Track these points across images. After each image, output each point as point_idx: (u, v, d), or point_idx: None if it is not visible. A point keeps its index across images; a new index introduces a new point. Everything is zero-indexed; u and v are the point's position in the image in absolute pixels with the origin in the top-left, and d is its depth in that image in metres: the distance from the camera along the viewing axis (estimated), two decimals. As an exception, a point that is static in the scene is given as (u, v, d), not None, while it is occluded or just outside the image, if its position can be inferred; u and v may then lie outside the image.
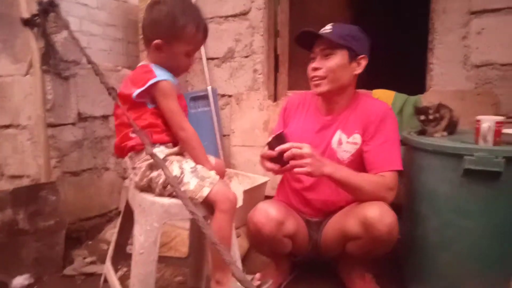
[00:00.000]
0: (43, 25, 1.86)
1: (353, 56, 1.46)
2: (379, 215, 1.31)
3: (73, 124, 2.01)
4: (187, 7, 1.26)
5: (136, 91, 1.20)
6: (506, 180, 1.30)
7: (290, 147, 1.29)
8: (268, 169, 1.39)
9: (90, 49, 2.29)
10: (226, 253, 0.82)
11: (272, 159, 1.35)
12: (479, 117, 1.39)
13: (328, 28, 1.47)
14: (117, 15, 2.66)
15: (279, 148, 1.30)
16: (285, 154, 1.29)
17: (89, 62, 1.64)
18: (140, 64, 1.31)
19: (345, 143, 1.50)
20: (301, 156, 1.29)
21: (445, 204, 1.42)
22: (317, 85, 1.48)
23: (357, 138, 1.48)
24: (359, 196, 1.41)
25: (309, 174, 1.31)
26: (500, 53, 1.95)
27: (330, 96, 1.51)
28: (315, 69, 1.47)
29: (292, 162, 1.30)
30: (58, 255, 1.76)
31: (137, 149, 1.24)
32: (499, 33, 1.95)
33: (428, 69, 2.13)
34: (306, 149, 1.29)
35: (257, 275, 1.25)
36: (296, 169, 1.30)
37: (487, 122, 1.36)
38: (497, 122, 1.35)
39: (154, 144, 1.24)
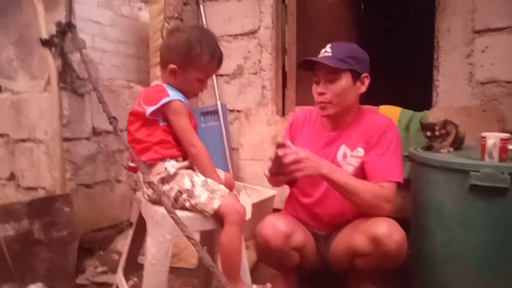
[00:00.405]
0: (60, 45, 1.94)
1: (356, 77, 1.48)
2: (387, 232, 1.32)
3: (87, 138, 2.07)
4: (205, 36, 1.33)
5: (150, 109, 1.26)
6: (512, 196, 1.32)
7: (288, 153, 1.34)
8: (271, 181, 1.47)
9: (103, 65, 2.37)
10: (221, 276, 0.85)
11: (275, 171, 1.39)
12: (484, 134, 1.42)
13: (327, 51, 1.48)
14: (129, 33, 2.75)
15: (276, 158, 1.35)
16: (283, 161, 1.33)
17: (95, 89, 1.73)
18: (153, 84, 1.38)
19: (349, 156, 1.52)
20: (297, 161, 1.32)
21: (451, 219, 1.44)
22: (323, 108, 1.50)
23: (360, 151, 1.51)
24: (356, 203, 1.42)
25: (307, 175, 1.35)
26: (504, 71, 1.99)
27: (336, 116, 1.54)
28: (321, 93, 1.48)
29: (291, 168, 1.33)
30: (71, 265, 1.80)
31: (150, 164, 1.29)
32: (502, 51, 1.98)
33: (434, 85, 2.17)
34: (301, 153, 1.33)
35: (268, 285, 1.28)
36: (295, 174, 1.34)
37: (493, 139, 1.38)
38: (502, 139, 1.38)
39: (165, 158, 1.28)
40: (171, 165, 1.28)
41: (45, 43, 1.92)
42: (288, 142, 1.47)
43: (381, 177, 1.42)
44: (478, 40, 2.03)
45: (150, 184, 1.23)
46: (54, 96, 1.91)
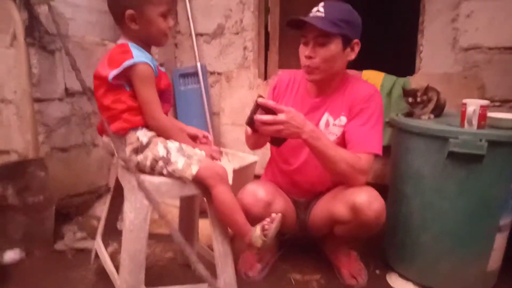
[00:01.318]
0: (26, -5, 1.79)
1: (347, 42, 1.41)
2: (367, 201, 1.34)
3: (60, 99, 1.97)
4: None
5: (112, 73, 1.17)
6: (488, 163, 1.35)
7: (274, 106, 1.29)
8: (250, 140, 1.48)
9: (75, 20, 2.21)
10: (191, 255, 0.85)
11: (250, 122, 1.32)
12: (465, 101, 1.42)
13: (320, 10, 1.39)
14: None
15: (259, 118, 1.29)
16: (260, 120, 1.28)
17: (67, 54, 1.60)
18: (117, 43, 1.26)
19: (332, 125, 1.51)
20: (275, 123, 1.28)
21: (428, 186, 1.47)
22: (309, 73, 1.45)
23: (343, 120, 1.49)
24: (331, 171, 1.42)
25: (286, 136, 1.33)
26: (488, 37, 1.98)
27: (321, 81, 1.50)
28: (309, 57, 1.42)
29: (265, 128, 1.29)
30: (48, 230, 1.77)
31: (120, 134, 1.23)
32: (487, 16, 1.96)
33: (418, 51, 2.15)
34: (281, 115, 1.28)
35: (273, 215, 1.32)
36: (272, 134, 1.31)
37: (472, 105, 1.39)
38: (482, 106, 1.38)
39: (136, 127, 1.23)
40: (143, 134, 1.23)
41: (8, -8, 1.77)
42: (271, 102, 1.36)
43: (360, 148, 1.41)
44: (464, 4, 2.00)
45: (124, 160, 1.18)
46: (21, 53, 1.78)
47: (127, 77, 1.19)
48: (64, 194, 2.00)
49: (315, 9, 1.41)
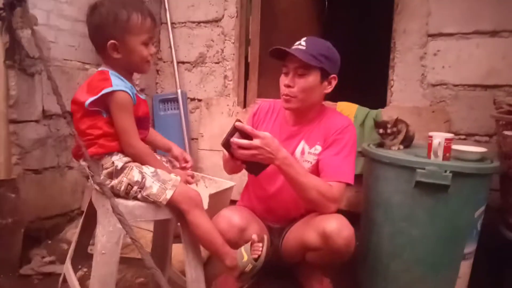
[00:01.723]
0: (8, 20, 1.81)
1: (325, 76, 1.48)
2: (336, 228, 1.37)
3: (36, 121, 1.96)
4: (123, 0, 1.25)
5: (89, 100, 1.18)
6: (453, 192, 1.41)
7: (250, 131, 1.32)
8: (227, 165, 1.52)
9: (57, 44, 2.24)
10: (161, 280, 0.85)
11: (225, 143, 1.34)
12: (431, 133, 1.50)
13: (302, 44, 1.47)
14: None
15: (235, 141, 1.31)
16: (236, 143, 1.31)
17: (49, 78, 1.61)
18: (99, 69, 1.29)
19: (307, 153, 1.55)
20: (250, 148, 1.31)
21: (398, 213, 1.52)
22: (287, 101, 1.50)
23: (318, 149, 1.54)
24: (303, 198, 1.45)
25: (260, 161, 1.34)
26: (453, 74, 2.11)
27: (298, 110, 1.55)
28: (288, 86, 1.48)
29: (241, 152, 1.31)
30: (15, 254, 1.71)
31: (95, 158, 1.24)
32: (452, 55, 2.10)
33: (389, 85, 2.26)
34: (256, 141, 1.31)
35: (254, 236, 1.33)
36: (245, 158, 1.33)
37: (438, 138, 1.47)
38: (447, 139, 1.46)
39: (112, 152, 1.23)
40: (118, 159, 1.23)
41: (-10, 16, 1.79)
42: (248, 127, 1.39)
43: (332, 177, 1.44)
44: (431, 44, 2.14)
45: (99, 185, 1.18)
46: (0, 75, 1.79)
47: (105, 104, 1.20)
48: (35, 217, 1.95)
49: (297, 42, 1.50)
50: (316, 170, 1.53)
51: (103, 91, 1.18)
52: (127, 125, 1.22)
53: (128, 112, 1.22)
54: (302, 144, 1.57)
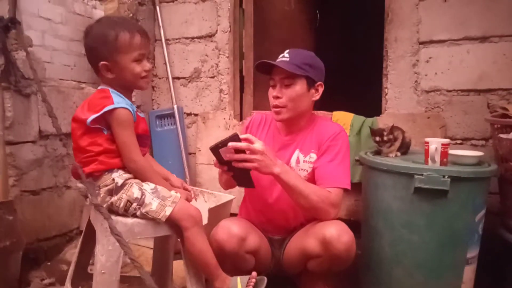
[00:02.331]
0: (3, 42, 1.83)
1: (311, 84, 1.51)
2: (336, 234, 1.37)
3: (33, 142, 1.96)
4: (114, 20, 1.29)
5: (91, 117, 1.20)
6: (452, 197, 1.42)
7: (246, 138, 1.30)
8: (222, 178, 1.54)
9: (53, 64, 2.25)
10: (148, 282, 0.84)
11: (220, 147, 1.28)
12: (427, 139, 1.51)
13: (285, 56, 1.51)
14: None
15: (233, 144, 1.25)
16: (238, 146, 1.26)
17: (44, 100, 1.63)
18: (99, 88, 1.30)
19: (302, 162, 1.56)
20: (252, 151, 1.29)
21: (397, 220, 1.52)
22: (278, 113, 1.52)
23: (313, 157, 1.55)
24: (303, 206, 1.44)
25: (256, 169, 1.31)
26: (446, 80, 2.13)
27: (289, 120, 1.56)
28: (276, 97, 1.51)
29: (241, 156, 1.28)
30: (14, 277, 1.69)
31: (95, 175, 1.24)
32: (444, 62, 2.13)
33: (383, 93, 2.28)
34: (258, 145, 1.30)
35: (254, 273, 1.31)
36: (244, 164, 1.29)
37: (434, 144, 1.47)
38: (443, 144, 1.47)
39: (112, 169, 1.24)
40: (118, 176, 1.24)
41: (-15, 39, 1.80)
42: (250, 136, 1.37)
43: (329, 183, 1.46)
44: (423, 51, 2.16)
45: (96, 207, 1.18)
46: (-4, 97, 1.79)
47: (106, 121, 1.22)
48: (33, 238, 1.93)
49: (281, 55, 1.54)
50: (312, 178, 1.53)
51: (106, 109, 1.20)
52: (129, 140, 1.23)
53: (129, 128, 1.24)
54: (296, 153, 1.57)
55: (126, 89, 1.31)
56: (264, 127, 1.69)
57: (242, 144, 1.28)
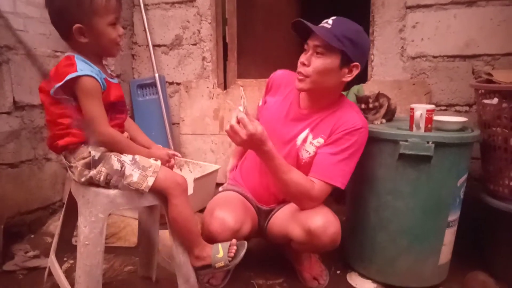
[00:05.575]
0: (-31, 6, 1.71)
1: (346, 62, 1.37)
2: (322, 226, 1.35)
3: (8, 113, 1.87)
4: None
5: (54, 87, 1.12)
6: (436, 163, 1.43)
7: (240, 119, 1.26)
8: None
9: (27, 32, 2.13)
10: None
11: None
12: (412, 106, 1.50)
13: (328, 22, 1.37)
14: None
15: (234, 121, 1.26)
16: (226, 129, 1.28)
17: (19, 42, 1.51)
18: (65, 54, 1.20)
19: (309, 143, 1.48)
20: (237, 131, 1.25)
21: (382, 187, 1.53)
22: (300, 81, 1.41)
23: (320, 142, 1.46)
24: (283, 192, 1.45)
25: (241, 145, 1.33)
26: (432, 46, 2.11)
27: (311, 93, 1.47)
28: (303, 64, 1.39)
29: (230, 132, 1.27)
30: (-4, 251, 1.67)
31: (70, 148, 1.19)
32: (430, 27, 2.10)
33: (369, 60, 2.24)
34: (250, 126, 1.24)
35: (233, 241, 1.31)
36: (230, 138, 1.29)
37: (419, 110, 1.47)
38: (428, 110, 1.47)
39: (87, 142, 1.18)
40: (95, 148, 1.18)
41: (-50, 4, 1.68)
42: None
43: (319, 174, 1.40)
44: (410, 16, 2.12)
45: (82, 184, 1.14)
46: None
47: (72, 90, 1.14)
48: (15, 212, 1.89)
49: (325, 20, 1.40)
50: (312, 161, 1.46)
51: (68, 77, 1.11)
52: (94, 112, 1.15)
53: (95, 98, 1.15)
54: (306, 132, 1.48)
55: (96, 56, 1.22)
56: (284, 90, 1.57)
57: (236, 129, 1.25)
